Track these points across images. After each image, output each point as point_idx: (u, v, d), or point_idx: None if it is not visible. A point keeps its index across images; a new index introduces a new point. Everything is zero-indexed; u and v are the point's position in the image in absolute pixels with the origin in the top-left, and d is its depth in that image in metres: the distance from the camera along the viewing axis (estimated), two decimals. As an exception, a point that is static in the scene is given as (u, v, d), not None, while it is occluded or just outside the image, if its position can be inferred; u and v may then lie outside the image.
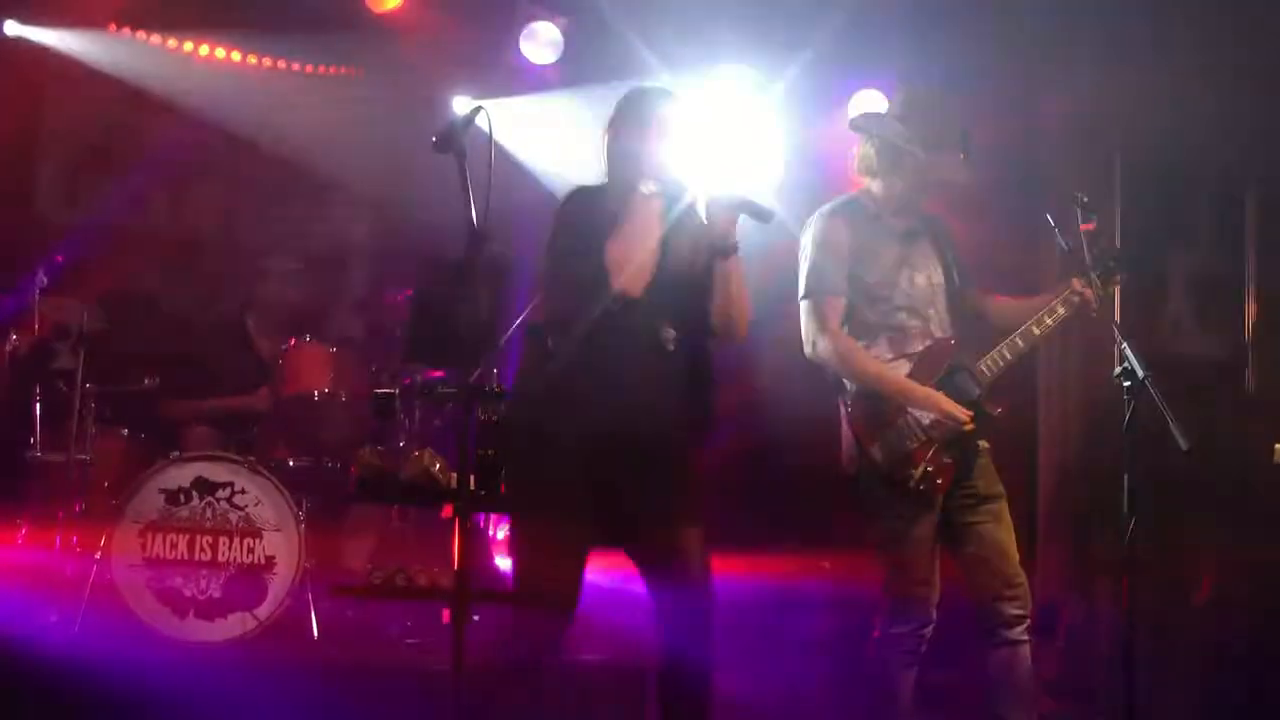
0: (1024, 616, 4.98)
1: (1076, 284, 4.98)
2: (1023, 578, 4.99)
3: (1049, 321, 5.01)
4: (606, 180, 4.40)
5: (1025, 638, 4.97)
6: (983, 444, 5.07)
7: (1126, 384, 4.69)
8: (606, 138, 4.45)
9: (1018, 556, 5.03)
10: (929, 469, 4.85)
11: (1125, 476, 4.78)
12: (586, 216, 4.28)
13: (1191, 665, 6.69)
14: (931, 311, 5.01)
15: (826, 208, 5.09)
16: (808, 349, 5.00)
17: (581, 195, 4.38)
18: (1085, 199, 4.97)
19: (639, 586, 4.57)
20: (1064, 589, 6.70)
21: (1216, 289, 7.48)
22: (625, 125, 4.44)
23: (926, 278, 5.03)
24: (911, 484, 4.85)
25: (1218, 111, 7.53)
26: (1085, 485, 7.15)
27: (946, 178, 5.05)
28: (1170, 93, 7.53)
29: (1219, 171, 7.51)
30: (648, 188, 4.28)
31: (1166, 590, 6.38)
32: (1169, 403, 4.58)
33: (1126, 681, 4.61)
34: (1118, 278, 5.18)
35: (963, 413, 4.85)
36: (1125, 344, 4.72)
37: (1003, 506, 5.05)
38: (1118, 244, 5.23)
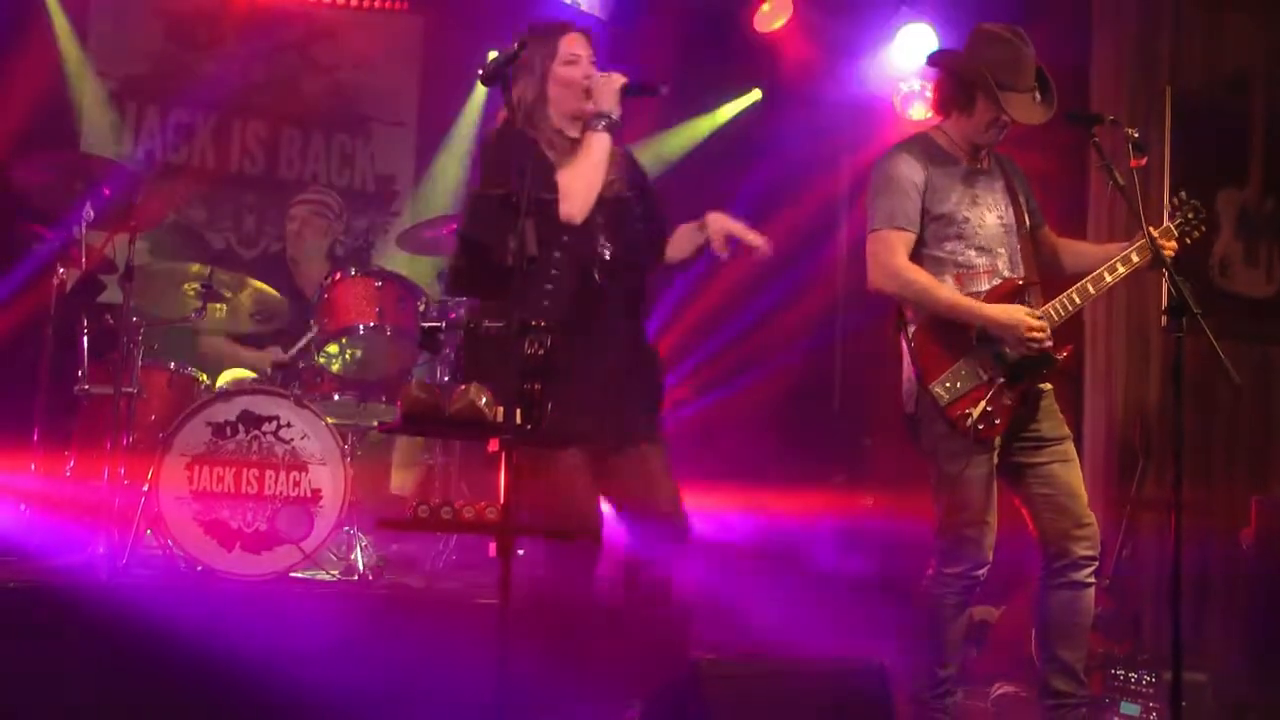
0: (1094, 558, 4.97)
1: (1153, 233, 4.93)
2: (1092, 518, 4.98)
3: (1121, 269, 4.98)
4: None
5: (1091, 580, 4.97)
6: (1046, 386, 5.04)
7: (1176, 321, 4.65)
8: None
9: (1086, 497, 5.01)
10: (988, 409, 4.82)
11: (1174, 415, 4.76)
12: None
13: (1236, 604, 6.68)
14: (1001, 250, 4.98)
15: (898, 144, 5.07)
16: (876, 282, 4.98)
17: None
18: (1136, 135, 4.93)
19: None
20: (1111, 528, 6.68)
21: (1266, 227, 7.43)
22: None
23: (997, 217, 5.00)
24: (969, 423, 4.82)
25: (1270, 47, 7.47)
26: (1133, 424, 7.12)
27: (1021, 118, 4.97)
28: (1222, 28, 7.48)
29: (1269, 108, 7.47)
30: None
31: (1213, 529, 6.37)
32: (1218, 340, 4.57)
33: (1173, 619, 4.59)
34: (1199, 232, 5.15)
35: (1042, 326, 4.81)
36: (1175, 281, 4.68)
37: (1069, 447, 5.03)
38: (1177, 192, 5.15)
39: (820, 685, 4.07)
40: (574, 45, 4.57)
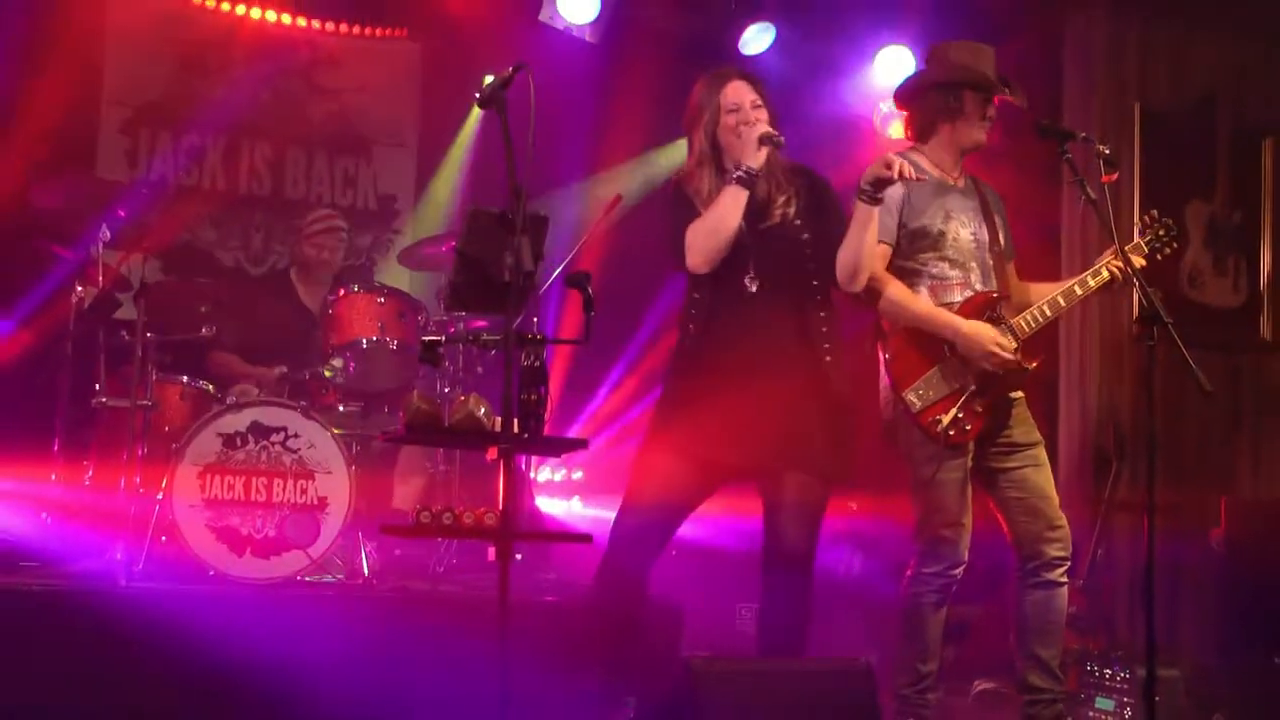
0: (1065, 558, 4.99)
1: (1125, 249, 4.95)
2: (1063, 520, 5.00)
3: (1092, 283, 5.00)
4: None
5: (1064, 580, 5.00)
6: (1018, 395, 5.06)
7: (1147, 330, 4.67)
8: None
9: (1058, 500, 5.03)
10: (959, 415, 4.84)
11: (1147, 420, 4.78)
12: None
13: (1207, 601, 6.68)
14: (974, 264, 5.00)
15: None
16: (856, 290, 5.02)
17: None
18: (1107, 151, 4.94)
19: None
20: (1085, 529, 6.69)
21: (1233, 238, 7.45)
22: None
23: (971, 233, 5.02)
24: (940, 429, 4.84)
25: (1234, 64, 7.49)
26: (1107, 430, 7.13)
27: (1010, 98, 5.06)
28: (1187, 50, 7.51)
29: (1234, 124, 7.48)
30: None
31: (1184, 529, 6.38)
32: (1188, 348, 4.58)
33: (1146, 617, 4.61)
34: (1170, 249, 5.17)
35: (1006, 346, 4.83)
36: (1146, 291, 4.70)
37: (1041, 452, 5.05)
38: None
39: (808, 683, 4.09)
40: (734, 94, 4.68)
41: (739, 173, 4.54)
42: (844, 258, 4.60)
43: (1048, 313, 4.98)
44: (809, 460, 4.57)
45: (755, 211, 4.62)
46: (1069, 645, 6.21)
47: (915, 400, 4.88)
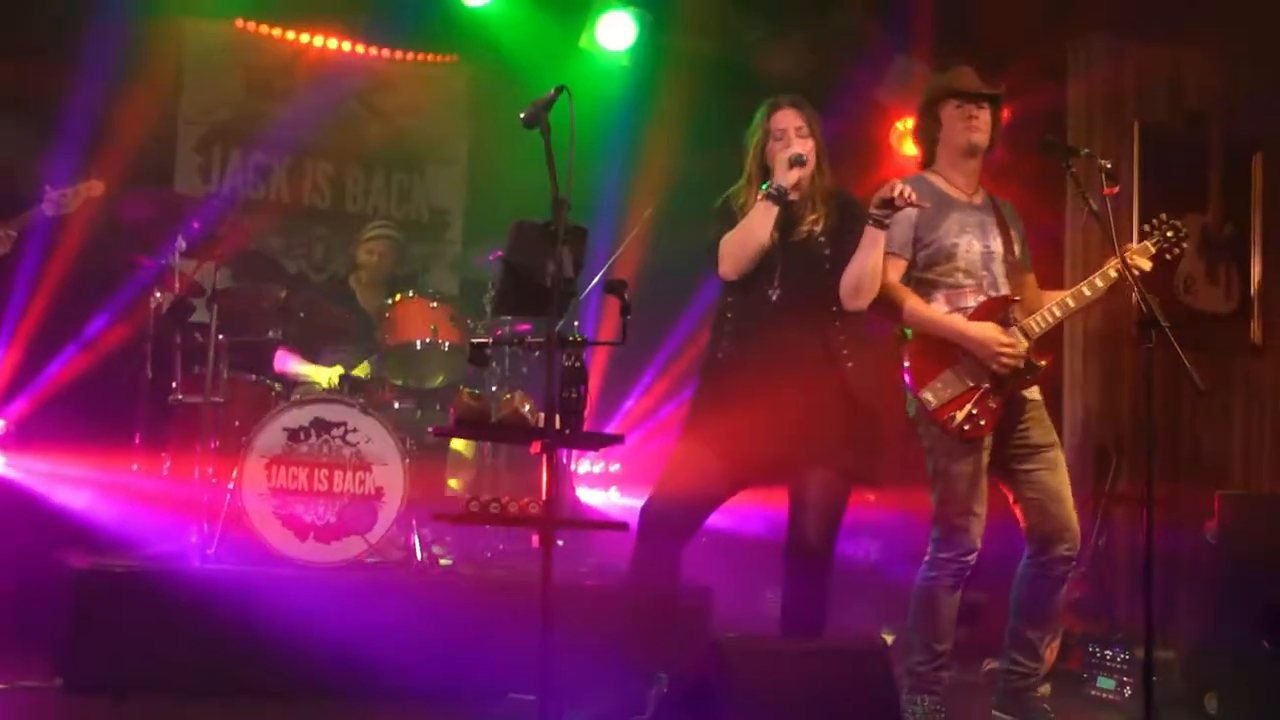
0: (1071, 558, 5.01)
1: (1130, 249, 4.94)
2: (1074, 524, 5.00)
3: (1100, 284, 4.99)
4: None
5: (1066, 577, 5.01)
6: (1035, 397, 5.04)
7: (1146, 334, 4.64)
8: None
9: (1071, 501, 5.02)
10: (973, 411, 4.86)
11: (1145, 419, 4.74)
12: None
13: (1201, 588, 6.63)
14: (985, 274, 5.00)
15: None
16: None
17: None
18: (1108, 166, 4.93)
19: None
20: (1088, 520, 6.65)
21: (1225, 249, 7.40)
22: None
23: (984, 245, 5.02)
24: (955, 425, 4.86)
25: (1225, 84, 7.45)
26: (1107, 426, 7.09)
27: (968, 85, 5.09)
28: (1181, 71, 7.47)
29: (1225, 141, 7.44)
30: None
31: (1180, 522, 6.34)
32: (1183, 351, 4.56)
33: (1144, 603, 4.58)
34: (1179, 249, 5.12)
35: (1010, 344, 4.83)
36: (1145, 297, 4.66)
37: (1057, 454, 5.05)
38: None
39: (830, 661, 4.06)
40: (781, 120, 4.70)
41: (769, 190, 4.54)
42: (847, 276, 4.59)
43: (1057, 313, 4.98)
44: (830, 458, 4.53)
45: (784, 227, 4.61)
46: (1073, 629, 6.19)
47: (931, 398, 4.91)
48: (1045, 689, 5.37)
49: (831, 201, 4.70)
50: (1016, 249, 5.08)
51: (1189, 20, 7.08)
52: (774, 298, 4.58)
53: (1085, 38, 7.42)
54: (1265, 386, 7.37)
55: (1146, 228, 5.18)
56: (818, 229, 4.65)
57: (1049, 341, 5.03)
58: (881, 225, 4.52)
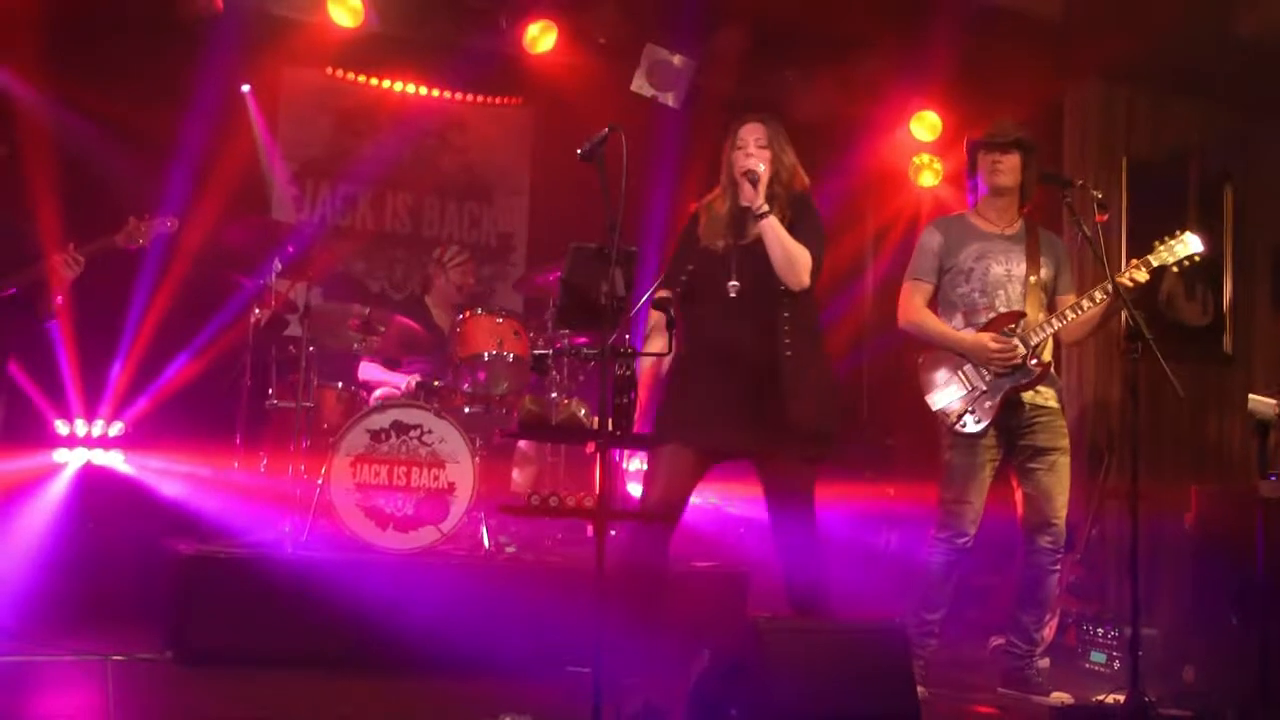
0: (1055, 552, 5.06)
1: (1131, 266, 4.97)
2: (1060, 520, 5.06)
3: (1098, 296, 5.01)
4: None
5: (1054, 567, 5.11)
6: (1048, 404, 5.07)
7: (1133, 344, 4.62)
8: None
9: (1064, 500, 5.05)
10: (970, 410, 4.96)
11: (1132, 421, 4.73)
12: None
13: (1180, 572, 6.59)
14: (1000, 292, 5.09)
15: (931, 221, 5.39)
16: (899, 318, 5.23)
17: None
18: (1100, 196, 5.00)
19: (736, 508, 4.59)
20: (1082, 512, 6.61)
21: (1201, 270, 7.38)
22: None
23: (1005, 269, 5.11)
24: (951, 422, 5.00)
25: (1202, 123, 7.46)
26: (1100, 428, 7.05)
27: (991, 132, 5.17)
28: (1165, 112, 7.47)
29: (1202, 175, 7.48)
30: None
31: (1162, 513, 6.30)
32: (1165, 360, 4.55)
33: (1131, 586, 4.59)
34: (1178, 266, 5.08)
35: (1001, 347, 4.87)
36: (1133, 313, 4.64)
37: (1061, 458, 5.09)
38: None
39: (855, 640, 4.03)
40: (745, 133, 4.61)
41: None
42: (773, 263, 4.45)
43: (1055, 323, 5.03)
44: (783, 439, 4.39)
45: (738, 229, 4.55)
46: (1069, 608, 6.15)
47: (934, 401, 5.08)
48: (1044, 662, 5.39)
49: (791, 207, 4.55)
50: (1044, 273, 5.10)
51: (1171, 68, 7.11)
52: (731, 294, 4.45)
53: (1080, 83, 7.46)
54: (1236, 391, 7.33)
55: (1156, 243, 5.10)
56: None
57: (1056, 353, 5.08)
58: (763, 216, 4.43)
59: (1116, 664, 5.80)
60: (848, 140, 7.99)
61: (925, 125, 7.99)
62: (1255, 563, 4.71)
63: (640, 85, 7.55)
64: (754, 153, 4.54)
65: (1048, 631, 5.94)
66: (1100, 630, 6.01)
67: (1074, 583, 6.25)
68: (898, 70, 7.61)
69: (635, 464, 7.03)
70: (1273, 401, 4.77)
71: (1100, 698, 5.03)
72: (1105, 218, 4.95)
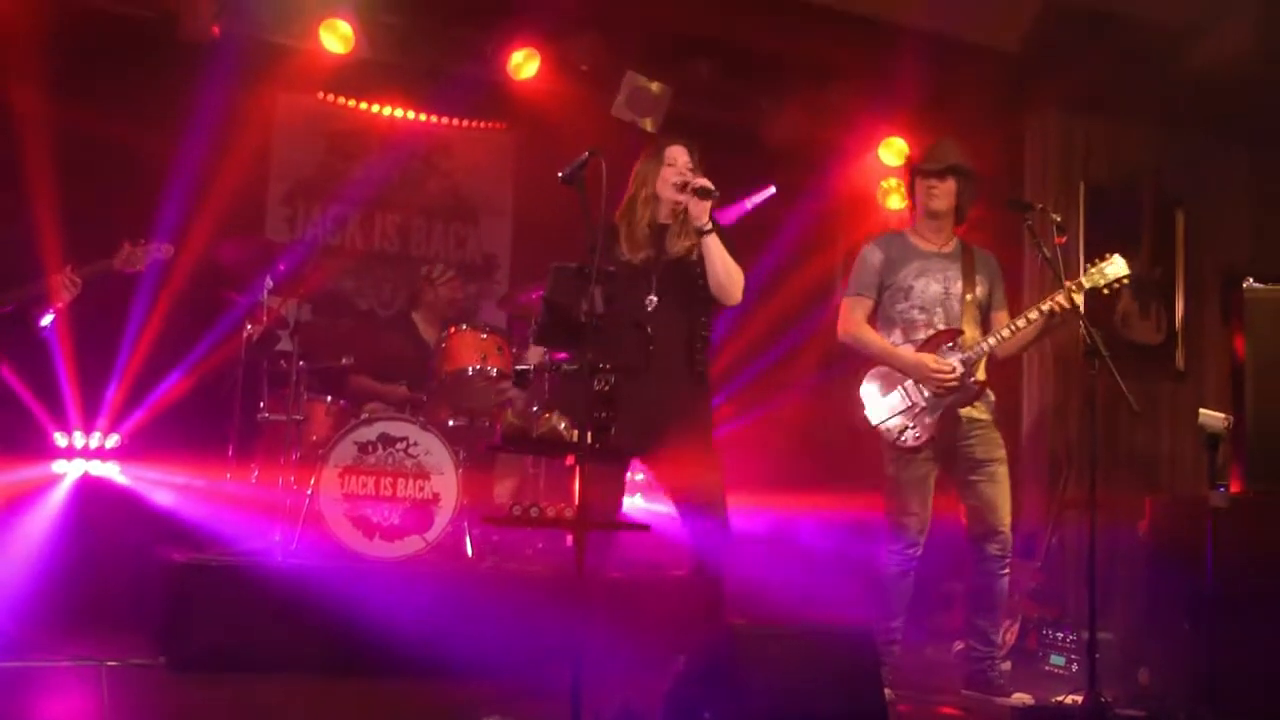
0: (1003, 558, 5.04)
1: (1067, 288, 4.94)
2: (1005, 528, 5.04)
3: (1033, 315, 4.98)
4: None
5: (1003, 572, 5.05)
6: (982, 416, 5.06)
7: (1090, 362, 4.65)
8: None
9: (1007, 509, 5.04)
10: (910, 425, 4.95)
11: (1089, 435, 4.75)
12: None
13: (1135, 579, 6.62)
14: (939, 309, 5.05)
15: (871, 238, 5.34)
16: (838, 331, 5.19)
17: None
18: (1059, 219, 5.00)
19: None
20: (1041, 521, 6.64)
21: (1155, 290, 7.45)
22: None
23: (942, 287, 5.08)
24: (892, 438, 4.97)
25: (1155, 150, 7.53)
26: (1059, 441, 7.08)
27: (924, 163, 5.19)
28: (1121, 138, 7.54)
29: (1155, 199, 7.53)
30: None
31: (1118, 523, 6.33)
32: (1121, 377, 4.57)
33: (1089, 592, 4.60)
34: (1109, 288, 5.10)
35: (940, 369, 4.88)
36: (1090, 331, 4.66)
37: (999, 469, 5.07)
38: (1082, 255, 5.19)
39: (826, 643, 4.05)
40: (674, 153, 4.66)
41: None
42: (711, 280, 4.54)
43: (993, 342, 5.01)
44: (690, 437, 4.48)
45: (660, 246, 4.59)
46: (1030, 613, 6.16)
47: (873, 416, 5.03)
48: (1006, 665, 5.39)
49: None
50: (979, 291, 5.10)
51: (1126, 99, 7.17)
52: (650, 308, 4.51)
53: (1040, 112, 7.51)
54: (1187, 406, 7.37)
55: (1085, 266, 5.15)
56: (694, 251, 4.59)
57: (1011, 372, 5.06)
58: (705, 234, 4.49)
59: (1075, 666, 5.82)
60: (818, 164, 8.03)
61: (893, 151, 8.02)
62: (1205, 569, 4.73)
63: (620, 111, 7.56)
64: (685, 172, 4.58)
65: (1010, 636, 5.97)
66: (1059, 634, 6.03)
67: (1034, 589, 6.26)
68: (867, 99, 7.65)
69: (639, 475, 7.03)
70: (1222, 416, 4.79)
71: (1060, 699, 5.06)
72: (1064, 240, 4.96)
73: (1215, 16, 6.56)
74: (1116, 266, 5.02)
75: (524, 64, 7.48)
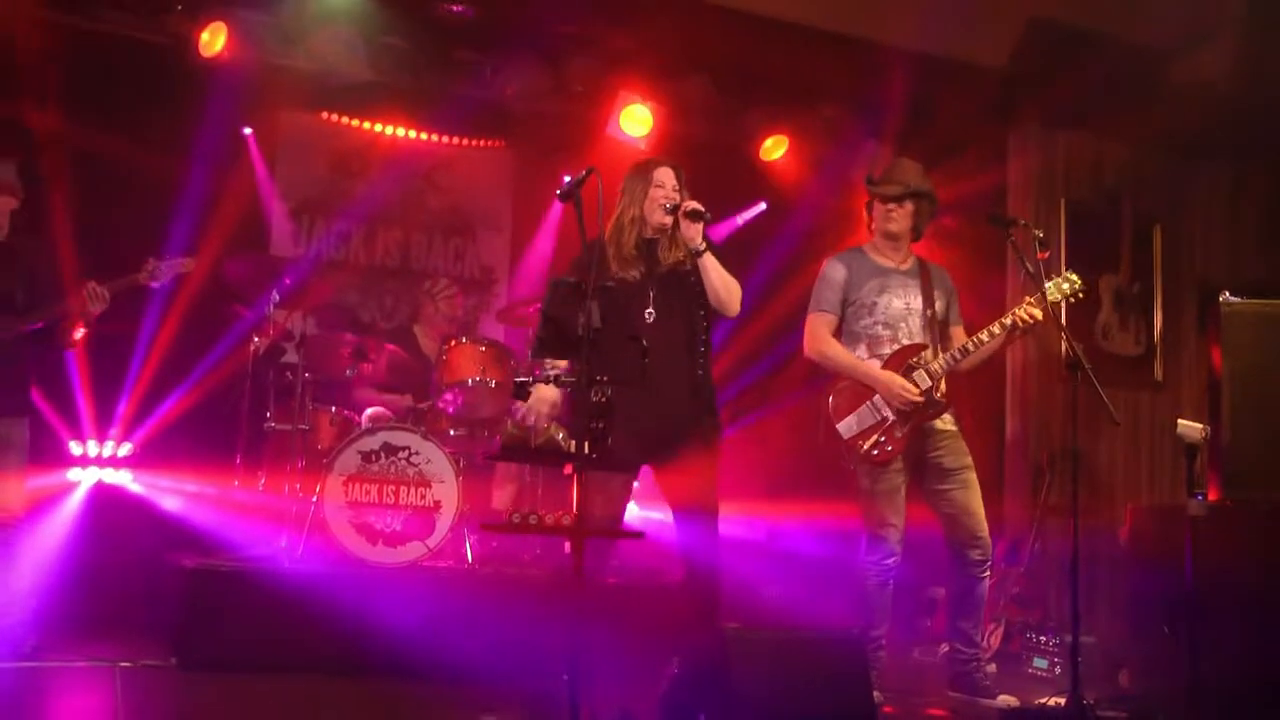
0: (984, 562, 5.00)
1: (1026, 303, 4.94)
2: (984, 532, 5.01)
3: (995, 330, 4.98)
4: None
5: (983, 576, 5.01)
6: (948, 427, 5.05)
7: (1072, 373, 4.65)
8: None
9: (982, 513, 5.02)
10: (880, 439, 4.91)
11: (1071, 444, 4.75)
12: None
13: (1116, 584, 6.62)
14: (903, 325, 5.04)
15: (833, 255, 5.27)
16: (806, 348, 5.14)
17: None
18: (1041, 235, 4.98)
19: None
20: (1025, 527, 6.63)
21: (1134, 303, 7.45)
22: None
23: (904, 303, 5.07)
24: (863, 451, 4.91)
25: (1134, 167, 7.55)
26: (1042, 450, 7.09)
27: (881, 191, 5.13)
28: (1101, 157, 7.54)
29: (1134, 215, 7.54)
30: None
31: (1099, 529, 6.33)
32: (1102, 388, 4.57)
33: (1071, 597, 4.59)
34: (1066, 302, 5.09)
35: (908, 389, 4.86)
36: (1072, 344, 4.66)
37: (969, 475, 5.04)
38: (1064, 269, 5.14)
39: (815, 648, 4.05)
40: (661, 175, 4.62)
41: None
42: (710, 295, 4.53)
43: (959, 356, 5.00)
44: (691, 438, 4.46)
45: (651, 261, 4.58)
46: (1014, 618, 6.15)
47: (844, 430, 4.98)
48: (992, 668, 5.37)
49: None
50: (938, 306, 5.10)
51: (1106, 116, 7.17)
52: (649, 320, 4.50)
53: (1023, 128, 7.49)
54: (1166, 416, 7.38)
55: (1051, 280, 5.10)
56: (686, 262, 4.57)
57: (994, 382, 5.04)
58: (700, 254, 4.48)
59: (1058, 669, 5.82)
60: (807, 180, 8.03)
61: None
62: (1184, 575, 4.73)
63: (614, 129, 7.57)
64: (674, 195, 4.58)
65: (994, 640, 5.96)
66: (1043, 638, 6.03)
67: (1018, 594, 6.26)
68: (855, 115, 7.66)
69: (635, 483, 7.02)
70: (1200, 426, 4.80)
71: (1043, 700, 5.05)
72: (1046, 255, 4.95)
73: (1195, 38, 6.58)
74: (1073, 282, 5.04)
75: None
